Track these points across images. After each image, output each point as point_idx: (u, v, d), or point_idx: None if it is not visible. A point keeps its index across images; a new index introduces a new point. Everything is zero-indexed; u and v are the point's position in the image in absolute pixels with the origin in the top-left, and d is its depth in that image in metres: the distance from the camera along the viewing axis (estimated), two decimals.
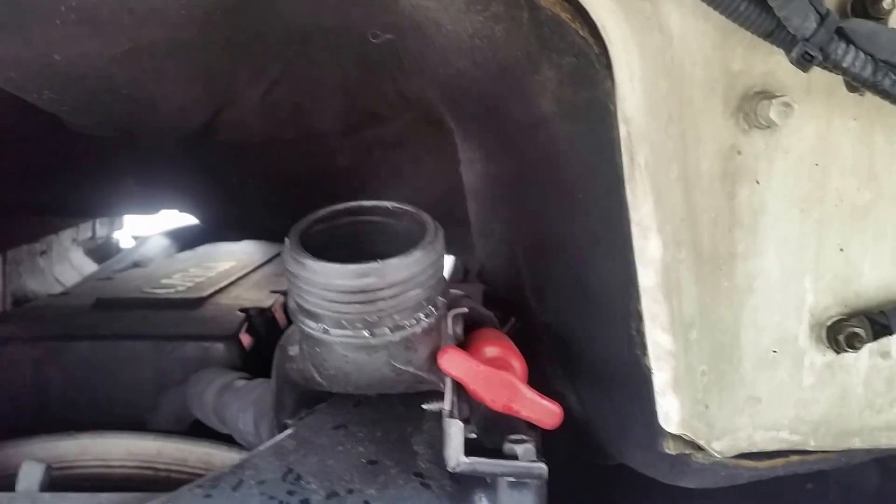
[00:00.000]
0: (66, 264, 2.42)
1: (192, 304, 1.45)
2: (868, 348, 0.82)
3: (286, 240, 0.73)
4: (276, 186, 1.78)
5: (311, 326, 0.73)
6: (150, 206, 2.35)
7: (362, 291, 0.69)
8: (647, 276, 0.76)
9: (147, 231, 2.81)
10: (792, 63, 0.73)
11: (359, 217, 0.77)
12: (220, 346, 1.26)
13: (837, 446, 0.83)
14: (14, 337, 1.29)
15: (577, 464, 1.11)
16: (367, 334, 0.71)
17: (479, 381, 0.72)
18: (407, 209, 0.77)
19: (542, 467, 0.74)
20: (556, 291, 1.00)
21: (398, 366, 0.75)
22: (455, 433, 0.72)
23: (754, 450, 0.82)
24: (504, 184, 1.13)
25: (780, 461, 0.84)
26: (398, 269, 0.70)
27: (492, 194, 1.20)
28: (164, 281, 1.69)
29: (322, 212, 0.76)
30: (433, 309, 0.74)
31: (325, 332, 0.72)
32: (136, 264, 2.27)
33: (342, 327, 0.72)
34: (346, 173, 1.76)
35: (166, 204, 2.32)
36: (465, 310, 0.80)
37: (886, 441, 0.83)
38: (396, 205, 0.77)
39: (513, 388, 0.74)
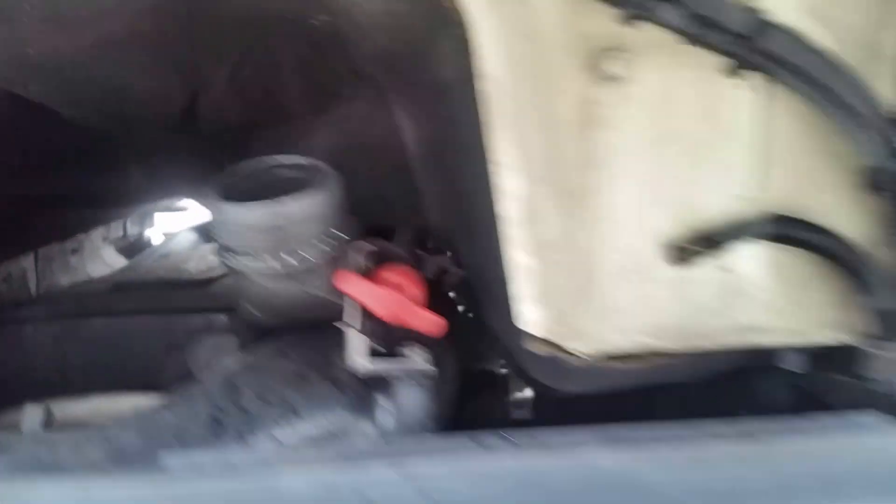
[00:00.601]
0: (99, 262, 2.56)
1: (201, 283, 1.57)
2: (713, 263, 0.96)
3: (208, 190, 0.90)
4: None
5: (232, 261, 0.90)
6: (155, 193, 2.52)
7: (267, 227, 0.86)
8: (510, 208, 0.91)
9: (176, 227, 2.94)
10: (621, 21, 0.88)
11: (274, 170, 0.93)
12: (222, 317, 1.36)
13: (691, 347, 0.98)
14: (36, 317, 1.42)
15: None
16: (275, 264, 0.88)
17: (369, 298, 0.89)
18: (312, 163, 0.92)
19: (432, 368, 0.90)
20: (467, 233, 1.15)
21: (308, 291, 0.91)
22: (354, 341, 0.89)
23: (619, 352, 0.97)
24: (428, 145, 1.28)
25: (645, 363, 0.99)
26: (295, 207, 0.86)
27: (422, 155, 1.35)
28: (181, 267, 1.84)
29: (241, 165, 0.93)
30: (333, 242, 0.90)
31: (243, 264, 0.89)
32: (163, 258, 2.41)
33: (255, 260, 0.88)
34: (323, 151, 1.91)
35: (170, 191, 2.49)
36: (368, 245, 0.96)
37: (733, 341, 0.98)
38: (303, 159, 0.93)
39: (400, 303, 0.90)
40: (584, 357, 0.96)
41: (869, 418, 0.76)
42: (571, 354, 0.95)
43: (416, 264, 1.09)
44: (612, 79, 0.93)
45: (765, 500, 0.68)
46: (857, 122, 0.90)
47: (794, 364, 1.03)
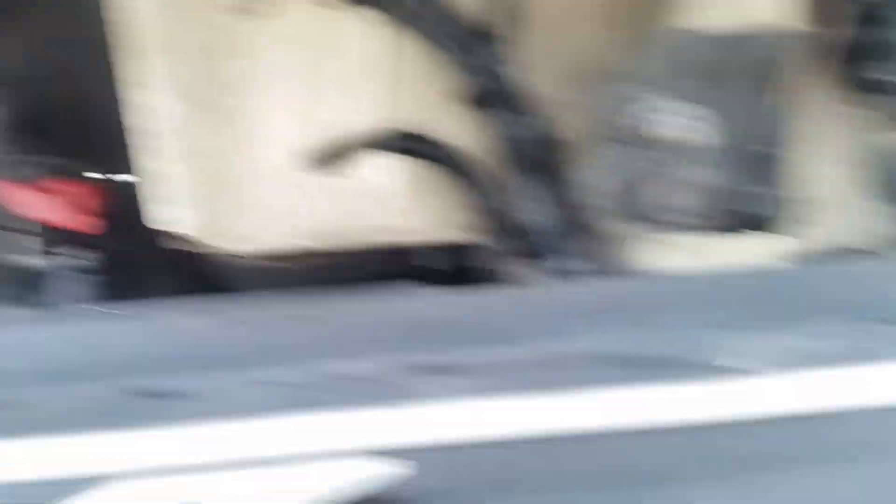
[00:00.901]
0: None
1: None
2: (351, 174, 1.14)
3: None
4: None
5: None
6: None
7: None
8: (155, 124, 1.04)
9: None
10: None
11: None
12: None
13: (340, 246, 1.15)
14: None
15: None
16: None
17: (23, 205, 1.01)
18: None
19: (87, 263, 1.03)
20: None
21: None
22: (16, 241, 1.00)
23: (278, 252, 1.13)
24: None
25: (304, 261, 1.16)
26: None
27: None
28: None
29: None
30: None
31: None
32: None
33: None
34: None
35: None
36: (43, 160, 1.07)
37: (373, 240, 1.16)
38: None
39: (54, 209, 1.02)
40: (245, 256, 1.11)
41: (407, 286, 0.95)
42: (228, 253, 1.10)
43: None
44: (257, 13, 1.07)
45: (320, 353, 0.81)
46: (451, 48, 1.09)
47: (433, 260, 1.23)
